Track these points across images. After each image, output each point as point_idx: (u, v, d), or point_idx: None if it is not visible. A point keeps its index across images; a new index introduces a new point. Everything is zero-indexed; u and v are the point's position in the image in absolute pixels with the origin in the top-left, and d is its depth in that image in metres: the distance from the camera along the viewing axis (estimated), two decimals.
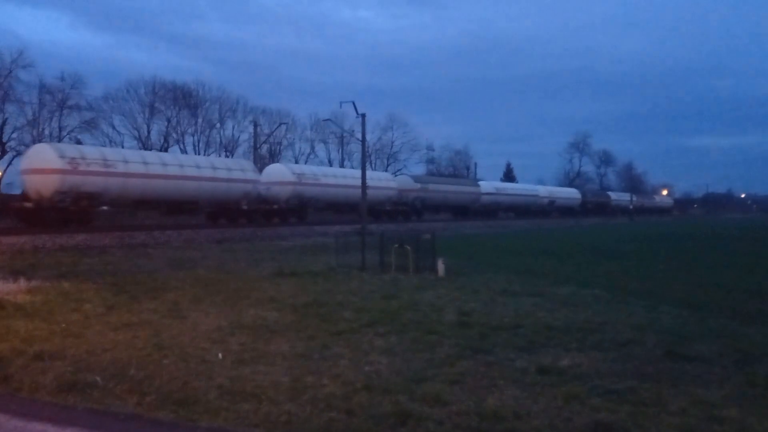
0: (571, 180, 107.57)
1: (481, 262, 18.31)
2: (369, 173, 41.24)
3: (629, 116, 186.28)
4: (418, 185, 54.57)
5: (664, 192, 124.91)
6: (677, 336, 7.95)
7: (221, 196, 36.10)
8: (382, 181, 50.97)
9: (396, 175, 60.89)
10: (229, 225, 35.49)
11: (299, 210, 41.74)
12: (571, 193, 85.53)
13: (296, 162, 65.78)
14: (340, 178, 46.63)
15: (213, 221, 37.39)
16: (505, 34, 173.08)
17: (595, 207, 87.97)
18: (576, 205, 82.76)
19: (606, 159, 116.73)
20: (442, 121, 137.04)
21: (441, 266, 14.49)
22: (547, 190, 78.79)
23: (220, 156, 64.39)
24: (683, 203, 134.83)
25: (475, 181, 70.25)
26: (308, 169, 45.99)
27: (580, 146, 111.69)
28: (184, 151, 62.60)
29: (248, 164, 40.86)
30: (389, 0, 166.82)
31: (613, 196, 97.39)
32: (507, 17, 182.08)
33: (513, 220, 62.62)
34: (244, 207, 37.89)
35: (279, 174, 41.79)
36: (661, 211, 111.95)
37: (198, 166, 35.36)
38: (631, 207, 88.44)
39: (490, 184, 68.23)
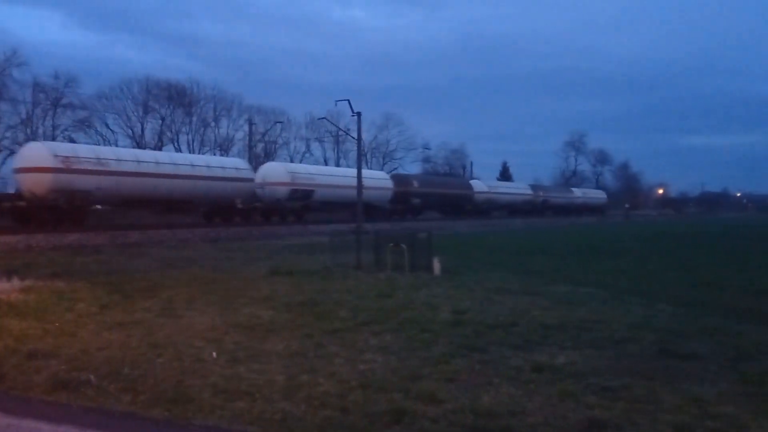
0: (566, 179, 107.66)
1: (475, 261, 18.33)
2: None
3: (625, 115, 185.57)
4: None
5: (660, 191, 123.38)
6: (672, 334, 7.98)
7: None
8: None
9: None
10: (224, 224, 35.40)
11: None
12: (378, 181, 50.44)
13: (291, 161, 65.60)
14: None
15: (208, 220, 37.33)
16: (500, 33, 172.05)
17: (433, 204, 55.89)
18: (383, 202, 49.02)
19: (602, 158, 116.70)
20: (438, 120, 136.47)
21: (437, 265, 14.49)
22: (306, 176, 42.87)
23: (214, 155, 64.25)
24: (678, 202, 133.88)
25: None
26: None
27: (576, 145, 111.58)
28: (178, 150, 62.29)
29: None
30: None
31: (478, 186, 62.44)
32: (501, 16, 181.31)
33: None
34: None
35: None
36: (584, 210, 79.93)
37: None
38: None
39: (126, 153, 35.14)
